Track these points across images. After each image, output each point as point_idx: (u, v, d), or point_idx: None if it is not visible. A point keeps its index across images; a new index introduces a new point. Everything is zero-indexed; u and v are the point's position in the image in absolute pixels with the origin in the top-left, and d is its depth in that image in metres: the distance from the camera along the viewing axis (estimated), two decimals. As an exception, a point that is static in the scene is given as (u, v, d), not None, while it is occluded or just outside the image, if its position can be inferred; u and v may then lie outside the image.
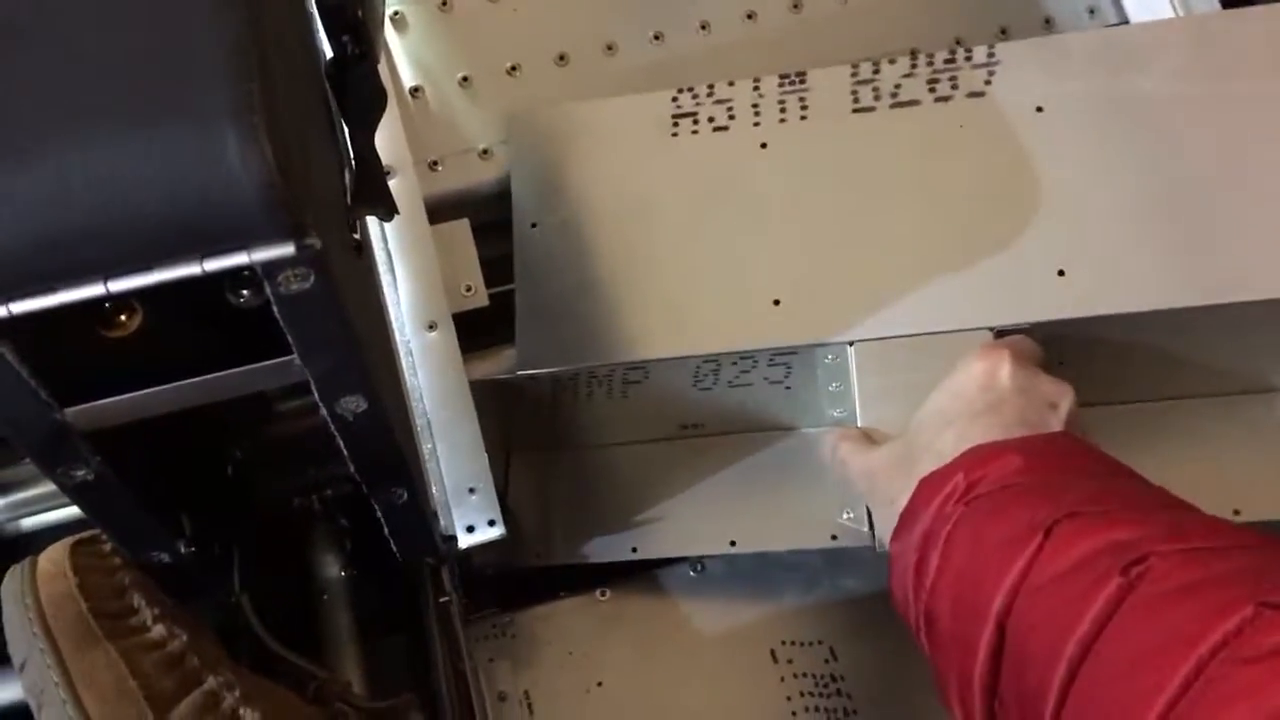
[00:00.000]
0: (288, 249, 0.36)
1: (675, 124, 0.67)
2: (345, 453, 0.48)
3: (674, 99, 0.68)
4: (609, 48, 0.70)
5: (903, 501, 0.52)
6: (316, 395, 0.44)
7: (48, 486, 0.61)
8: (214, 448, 0.62)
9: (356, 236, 0.54)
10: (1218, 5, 0.70)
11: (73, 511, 0.58)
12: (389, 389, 0.56)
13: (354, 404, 0.45)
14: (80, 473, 0.44)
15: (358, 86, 0.56)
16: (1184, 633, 0.36)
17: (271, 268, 0.36)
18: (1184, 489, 0.62)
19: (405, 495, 0.53)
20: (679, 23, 0.71)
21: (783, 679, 0.68)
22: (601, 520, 0.69)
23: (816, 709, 0.67)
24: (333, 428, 0.46)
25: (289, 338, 0.40)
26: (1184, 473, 0.64)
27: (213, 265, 0.35)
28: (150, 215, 0.35)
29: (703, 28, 0.71)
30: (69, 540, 0.51)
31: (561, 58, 0.70)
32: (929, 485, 0.50)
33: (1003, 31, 0.73)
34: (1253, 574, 0.38)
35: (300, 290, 0.38)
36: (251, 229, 0.35)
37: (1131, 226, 0.59)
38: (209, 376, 0.42)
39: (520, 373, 0.63)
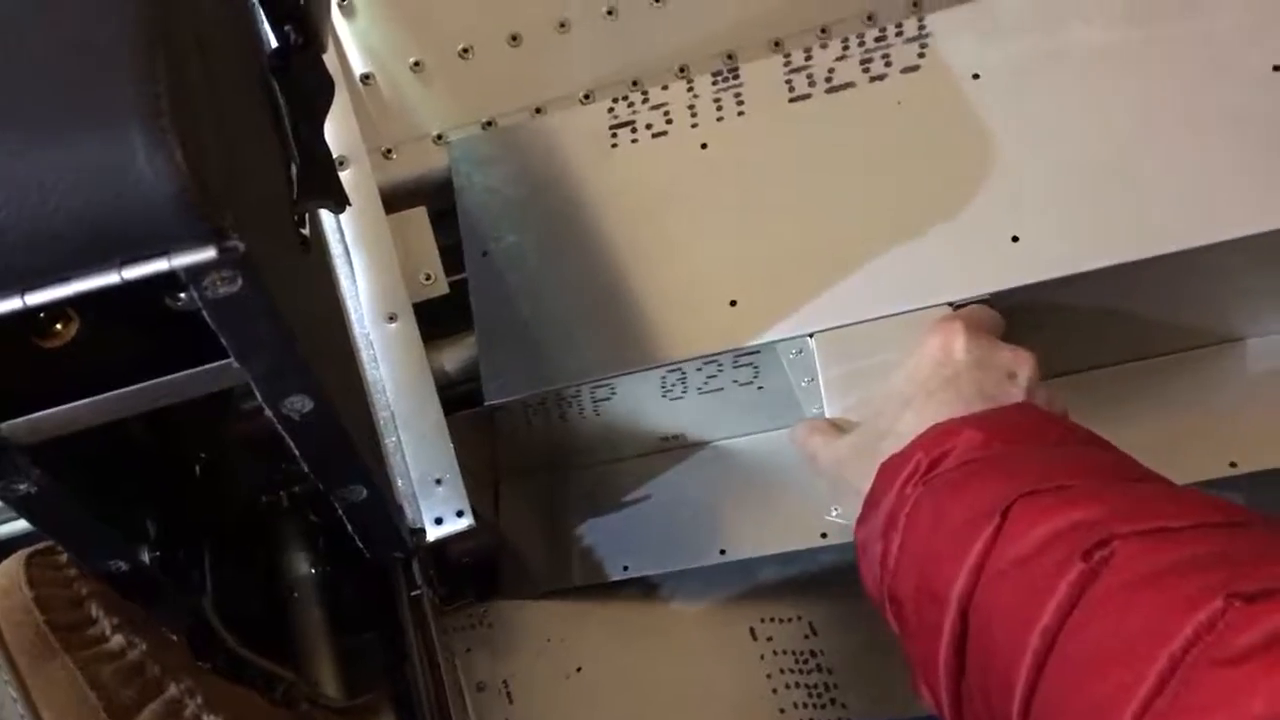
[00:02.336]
0: (208, 253, 0.35)
1: (614, 135, 0.66)
2: (296, 453, 0.48)
3: (610, 109, 0.66)
4: (562, 25, 0.69)
5: (868, 488, 0.51)
6: (259, 397, 0.43)
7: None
8: (177, 449, 0.61)
9: (304, 231, 0.53)
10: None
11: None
12: (341, 386, 0.55)
13: (299, 404, 0.44)
14: (22, 486, 0.43)
15: (303, 76, 0.55)
16: (1154, 629, 0.35)
17: (194, 272, 0.36)
18: (1177, 447, 0.63)
19: (365, 492, 0.53)
20: (633, -4, 0.70)
21: (763, 657, 0.67)
22: (592, 541, 0.69)
23: (797, 685, 0.66)
24: (280, 428, 0.46)
25: (223, 341, 0.39)
26: (1174, 431, 0.64)
27: (131, 273, 0.34)
28: (63, 225, 0.34)
29: (656, 1, 0.70)
30: (24, 552, 0.50)
31: (514, 38, 0.69)
32: (889, 469, 0.50)
33: (915, 3, 0.72)
34: (1220, 560, 0.37)
35: (229, 293, 0.37)
36: (169, 234, 0.34)
37: (1081, 184, 0.58)
38: (146, 384, 0.41)
39: (488, 403, 0.62)
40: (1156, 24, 0.61)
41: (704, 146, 0.65)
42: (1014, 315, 0.57)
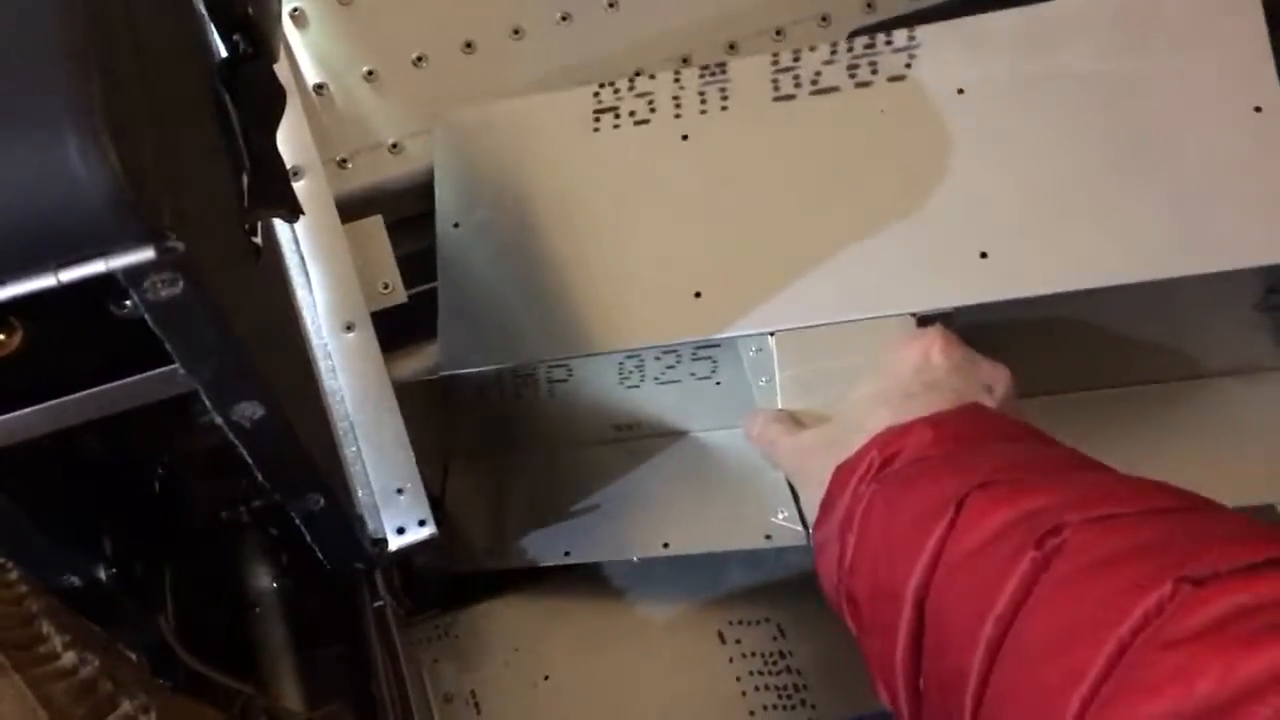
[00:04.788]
0: (146, 253, 0.34)
1: (596, 119, 0.66)
2: (249, 461, 0.47)
3: (595, 94, 0.67)
4: (516, 32, 0.69)
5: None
6: (208, 404, 0.43)
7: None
8: (133, 463, 0.61)
9: (256, 240, 0.52)
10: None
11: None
12: (297, 394, 0.55)
13: (249, 411, 0.44)
14: (-34, 500, 0.42)
15: (253, 86, 0.55)
16: (1103, 612, 0.35)
17: (134, 274, 0.35)
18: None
19: (322, 502, 0.52)
20: (585, 1, 0.70)
21: (731, 659, 0.67)
22: (536, 524, 0.69)
23: (767, 687, 0.66)
24: (231, 436, 0.45)
25: (167, 345, 0.39)
26: (1126, 462, 0.64)
27: (69, 275, 0.34)
28: (-3, 228, 0.33)
29: (611, 5, 0.70)
30: (-28, 569, 0.49)
31: (468, 45, 0.69)
32: (844, 470, 0.50)
33: (869, 5, 0.72)
34: (1170, 544, 0.37)
35: (170, 296, 0.37)
36: (105, 235, 0.34)
37: (1054, 206, 0.59)
38: (89, 392, 0.41)
39: (442, 373, 0.62)
40: (1141, 57, 0.61)
41: (685, 138, 0.65)
42: (975, 334, 0.57)
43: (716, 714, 0.65)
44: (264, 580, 0.63)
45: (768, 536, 0.62)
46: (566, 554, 0.66)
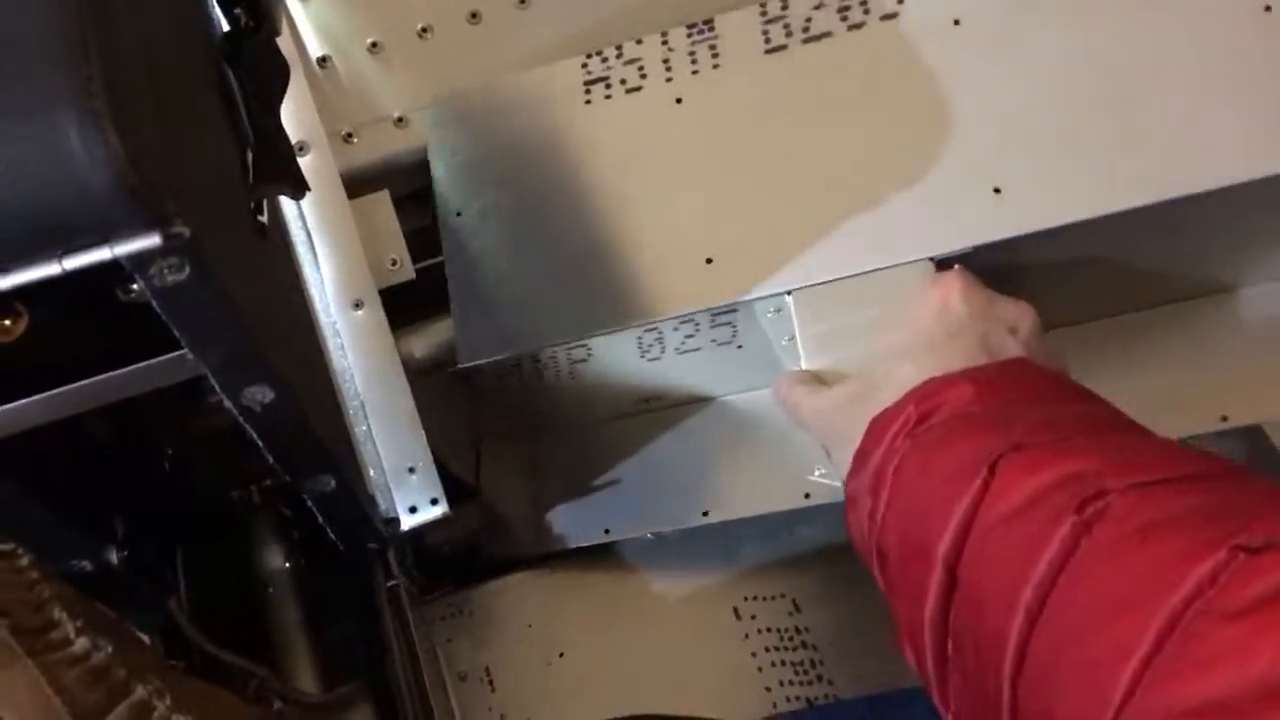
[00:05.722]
0: (152, 239, 0.33)
1: (588, 91, 0.65)
2: (260, 444, 0.46)
3: (583, 64, 0.65)
4: (521, 1, 0.68)
5: (859, 439, 0.50)
6: (217, 388, 0.42)
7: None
8: (143, 446, 0.60)
9: (262, 218, 0.52)
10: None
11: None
12: (306, 375, 0.54)
13: (259, 394, 0.43)
14: (-24, 487, 0.42)
15: (256, 61, 0.54)
16: (1153, 582, 0.34)
17: (139, 260, 0.34)
18: (1166, 401, 0.62)
19: (333, 483, 0.52)
20: (593, -33, 0.68)
21: (746, 636, 0.67)
22: (573, 505, 0.68)
23: (783, 663, 0.66)
24: (241, 420, 0.44)
25: (175, 331, 0.38)
26: (1163, 385, 0.63)
27: (73, 263, 0.33)
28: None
29: (619, -29, 0.68)
30: (-17, 556, 0.49)
31: (474, 15, 0.67)
32: (880, 423, 0.48)
33: None
34: (1220, 510, 0.36)
35: (176, 281, 0.36)
36: (109, 222, 0.33)
37: (1065, 133, 0.57)
38: (97, 379, 0.40)
39: (461, 365, 0.61)
40: None
41: (679, 101, 0.63)
42: (994, 271, 0.56)
43: (732, 690, 0.65)
44: (276, 560, 0.63)
45: (807, 495, 0.61)
46: (606, 531, 0.66)
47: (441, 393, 0.66)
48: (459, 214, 0.64)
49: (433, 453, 0.62)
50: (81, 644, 0.48)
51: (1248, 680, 0.30)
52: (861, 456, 0.49)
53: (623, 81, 0.64)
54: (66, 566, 0.51)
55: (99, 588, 0.56)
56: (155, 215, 0.33)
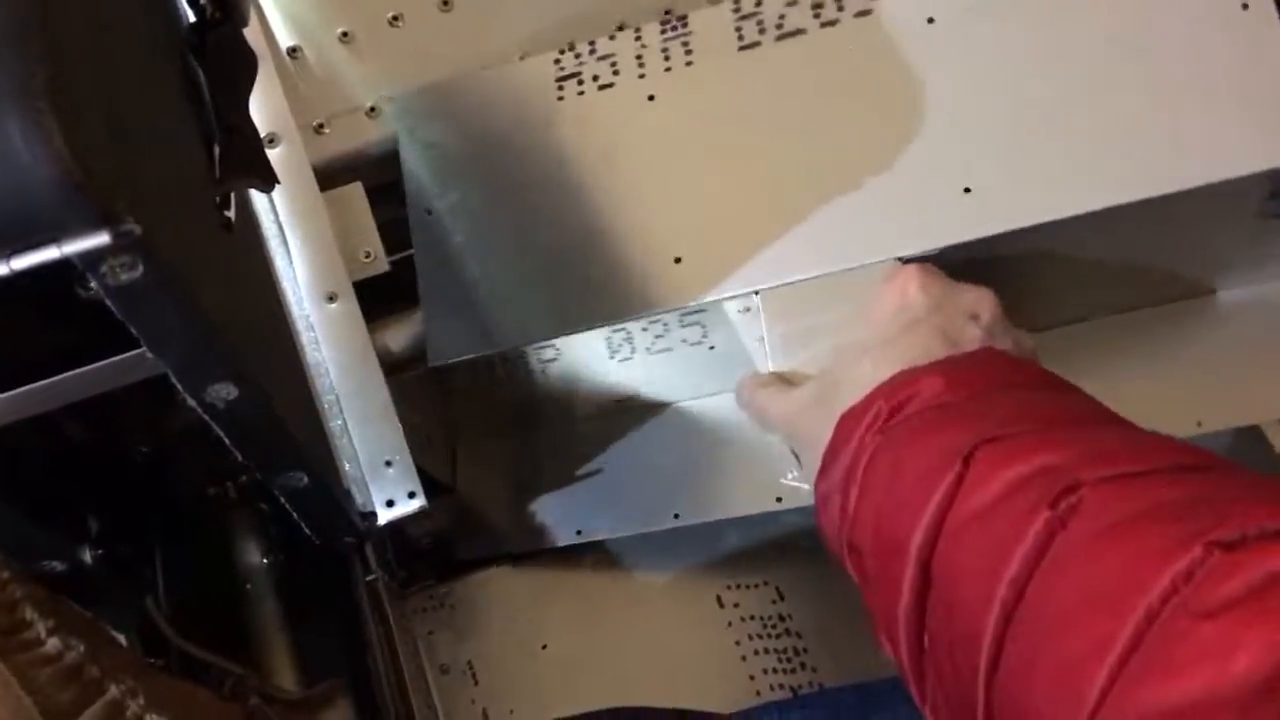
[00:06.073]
0: (101, 238, 0.33)
1: (560, 87, 0.64)
2: (227, 442, 0.46)
3: (556, 60, 0.64)
4: (495, -13, 0.67)
5: (827, 439, 0.50)
6: (179, 386, 0.42)
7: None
8: (116, 443, 0.60)
9: (229, 213, 0.51)
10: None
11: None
12: (276, 370, 0.54)
13: (223, 392, 0.43)
14: (-61, 490, 0.41)
15: (222, 52, 0.53)
16: (1128, 579, 0.33)
17: (89, 259, 0.34)
18: (1139, 407, 0.60)
19: (306, 479, 0.51)
20: (566, -49, 0.67)
21: (730, 624, 0.67)
22: (546, 505, 0.68)
23: (767, 650, 0.66)
24: (206, 418, 0.44)
25: (132, 329, 0.38)
26: (1137, 389, 0.62)
27: (21, 263, 0.33)
28: (-57, 215, 0.32)
29: (592, -45, 0.67)
30: (-47, 558, 0.48)
31: (445, 2, 0.66)
32: (849, 419, 0.48)
33: None
34: (1196, 504, 0.35)
35: (131, 279, 0.35)
36: (57, 220, 0.33)
37: (1037, 131, 0.56)
38: (54, 380, 0.40)
39: (431, 365, 0.61)
40: None
41: (651, 98, 0.62)
42: (965, 273, 0.55)
43: (715, 679, 0.65)
44: (254, 557, 0.62)
45: (778, 499, 0.61)
46: (578, 533, 0.66)
47: (417, 390, 0.66)
48: (429, 212, 0.63)
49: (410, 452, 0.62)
50: (53, 644, 0.47)
51: (1227, 680, 0.29)
52: (831, 455, 0.48)
53: (595, 78, 0.63)
54: (38, 567, 0.51)
55: (74, 587, 0.56)
56: (103, 213, 0.33)
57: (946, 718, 0.41)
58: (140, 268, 0.35)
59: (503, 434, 0.72)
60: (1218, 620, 0.30)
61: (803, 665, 0.65)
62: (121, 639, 0.58)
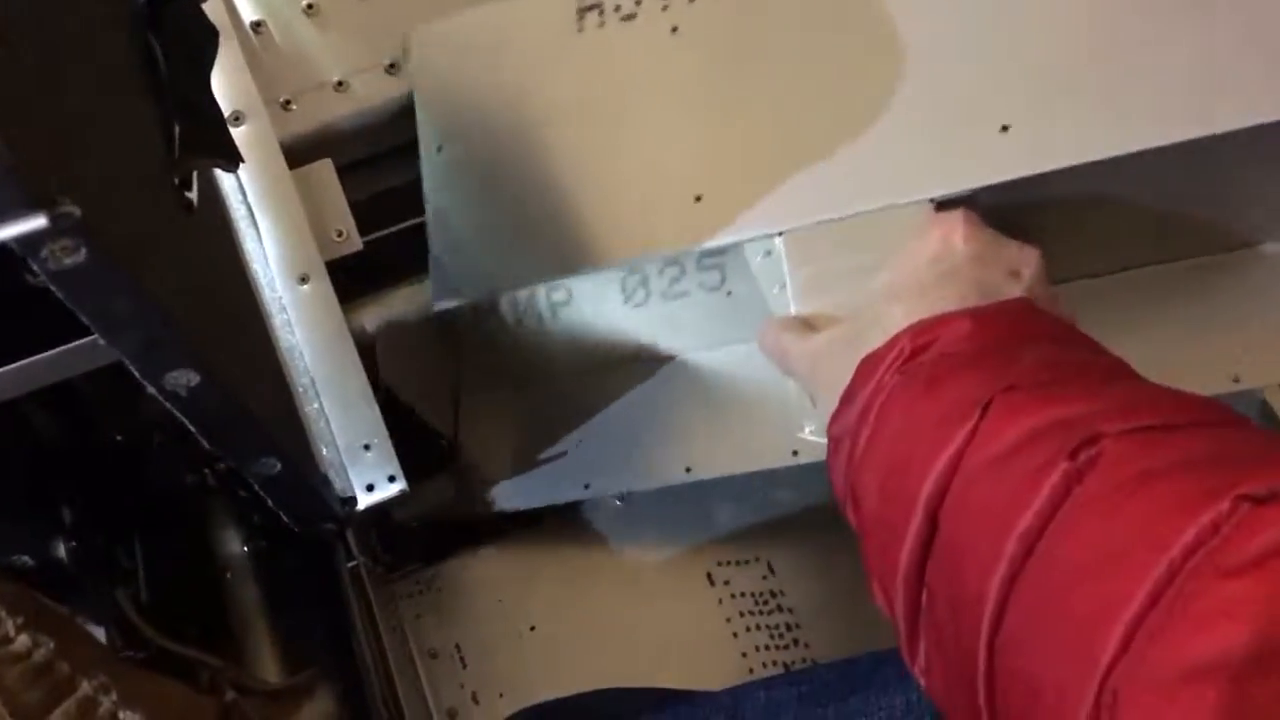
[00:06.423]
0: (38, 221, 0.32)
1: (580, 18, 0.61)
2: (192, 430, 0.45)
3: None
4: (463, -44, 0.65)
5: (847, 382, 0.47)
6: (135, 374, 0.40)
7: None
8: (88, 432, 0.58)
9: (190, 194, 0.49)
10: None
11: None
12: (244, 354, 0.52)
13: (184, 378, 0.41)
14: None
15: (179, 26, 0.51)
16: (1149, 533, 0.31)
17: (28, 243, 0.32)
18: (1175, 360, 0.58)
19: (278, 465, 0.50)
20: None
21: (721, 601, 0.66)
22: (553, 459, 0.65)
23: (759, 627, 0.65)
24: (168, 406, 0.43)
25: (81, 316, 0.36)
26: (1173, 343, 0.59)
27: (-47, 249, 0.31)
28: None
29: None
30: (-83, 556, 0.47)
31: (413, -28, 0.65)
32: (870, 361, 0.45)
33: None
34: (1222, 459, 0.33)
35: (75, 264, 0.34)
36: (-9, 204, 0.31)
37: (1078, 66, 0.53)
38: (2, 369, 0.38)
39: (436, 308, 0.59)
40: None
41: (674, 30, 0.60)
42: (999, 216, 0.52)
43: (707, 657, 0.64)
44: (234, 544, 0.61)
45: (795, 453, 0.58)
46: (587, 487, 0.63)
47: (419, 343, 0.64)
48: (440, 149, 0.61)
49: (409, 406, 0.59)
50: (22, 641, 0.46)
51: (1249, 641, 0.27)
52: (848, 397, 0.46)
53: (617, 9, 0.61)
54: (7, 561, 0.50)
55: (46, 581, 0.54)
56: (39, 196, 0.31)
57: (941, 680, 0.39)
58: (84, 251, 0.34)
59: (508, 387, 0.69)
60: (1241, 578, 0.29)
61: (795, 641, 0.64)
62: (101, 632, 0.57)
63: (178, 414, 0.43)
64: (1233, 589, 0.28)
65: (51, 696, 0.45)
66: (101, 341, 0.38)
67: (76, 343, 0.38)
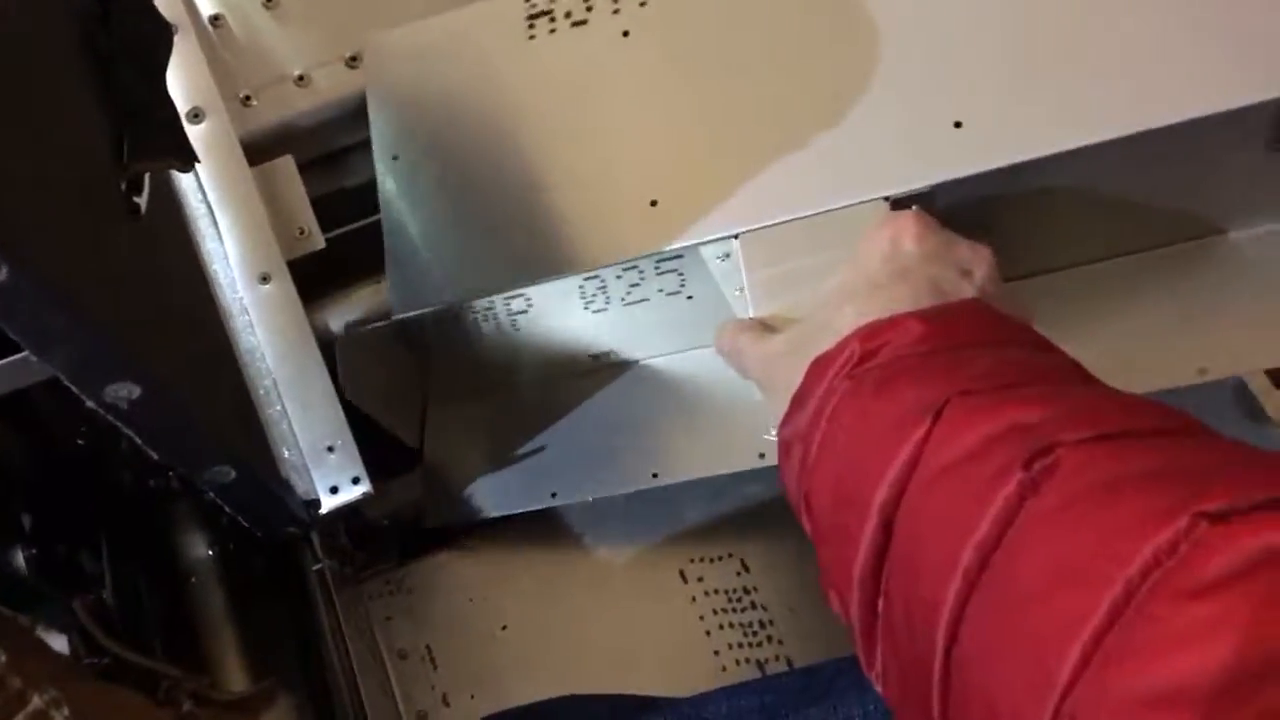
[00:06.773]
0: (-51, 241, 0.31)
1: (531, 25, 0.61)
2: (138, 442, 0.44)
3: None
4: (425, -54, 0.64)
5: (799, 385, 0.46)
6: (73, 389, 0.39)
7: None
8: (46, 441, 0.58)
9: (138, 198, 0.48)
10: None
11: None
12: (196, 360, 0.51)
13: (124, 391, 0.41)
14: None
15: (130, 21, 0.50)
16: (1106, 548, 0.30)
17: (-57, 263, 0.32)
18: (1142, 351, 0.57)
19: (233, 473, 0.49)
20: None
21: (694, 599, 0.65)
22: (517, 467, 0.65)
23: (731, 625, 0.64)
24: (111, 419, 0.42)
25: (9, 333, 0.36)
26: (1139, 334, 0.58)
27: None
28: None
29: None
30: None
31: (375, -37, 0.64)
32: (821, 363, 0.45)
33: None
34: (1180, 472, 0.32)
35: (-4, 282, 0.33)
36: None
37: (1029, 64, 0.52)
38: (-68, 388, 0.37)
39: (395, 317, 0.58)
40: None
41: (625, 34, 0.59)
42: (956, 214, 0.52)
43: (680, 655, 0.63)
44: (199, 549, 0.61)
45: (761, 455, 0.58)
46: (553, 495, 0.62)
47: (384, 350, 0.63)
48: (395, 157, 0.60)
49: (374, 415, 0.59)
50: (-29, 656, 0.46)
51: (1214, 667, 0.26)
52: (798, 401, 0.45)
53: (568, 15, 0.60)
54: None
55: (7, 589, 0.54)
56: (-50, 214, 0.30)
57: (896, 688, 0.38)
58: (4, 270, 0.33)
59: (473, 395, 0.69)
60: (1204, 601, 0.28)
61: (769, 639, 0.63)
62: (64, 641, 0.57)
63: (121, 426, 0.43)
64: (1195, 613, 0.28)
65: (3, 711, 0.44)
66: (33, 358, 0.37)
67: (8, 359, 0.38)
